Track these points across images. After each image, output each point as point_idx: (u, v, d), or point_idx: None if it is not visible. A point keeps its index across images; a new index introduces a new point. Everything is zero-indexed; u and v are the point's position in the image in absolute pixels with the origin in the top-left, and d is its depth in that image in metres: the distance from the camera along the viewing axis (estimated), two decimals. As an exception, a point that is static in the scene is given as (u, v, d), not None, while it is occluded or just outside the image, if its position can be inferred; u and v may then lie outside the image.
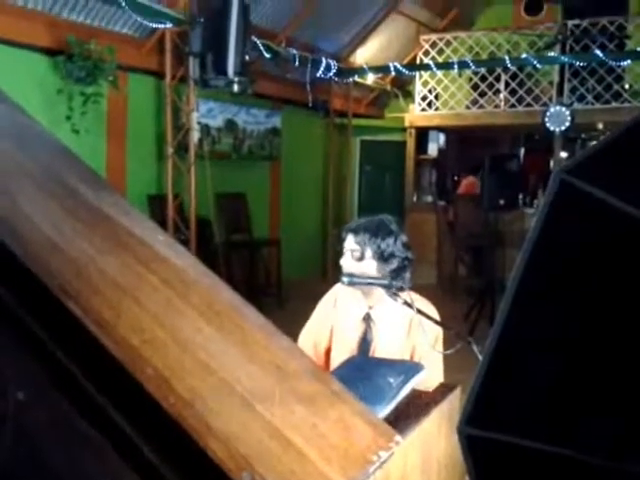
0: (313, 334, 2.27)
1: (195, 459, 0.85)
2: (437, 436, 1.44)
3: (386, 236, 2.12)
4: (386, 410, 1.33)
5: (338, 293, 2.29)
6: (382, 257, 2.11)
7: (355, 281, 2.03)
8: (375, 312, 2.19)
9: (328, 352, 2.27)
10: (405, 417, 1.35)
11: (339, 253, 2.21)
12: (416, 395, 1.46)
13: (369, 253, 2.11)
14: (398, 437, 1.18)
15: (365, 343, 2.18)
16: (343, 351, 2.17)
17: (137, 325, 1.02)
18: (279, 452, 0.96)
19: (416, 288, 2.15)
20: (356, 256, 2.11)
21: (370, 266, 2.11)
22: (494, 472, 0.79)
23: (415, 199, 9.23)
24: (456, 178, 9.81)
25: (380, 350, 2.15)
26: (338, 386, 1.21)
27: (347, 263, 2.13)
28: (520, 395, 0.74)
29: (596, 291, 0.72)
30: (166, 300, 1.14)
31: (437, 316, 2.10)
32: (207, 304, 1.21)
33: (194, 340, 1.08)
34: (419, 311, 1.87)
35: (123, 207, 1.44)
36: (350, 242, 2.14)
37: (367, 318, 2.20)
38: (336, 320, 2.26)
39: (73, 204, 1.32)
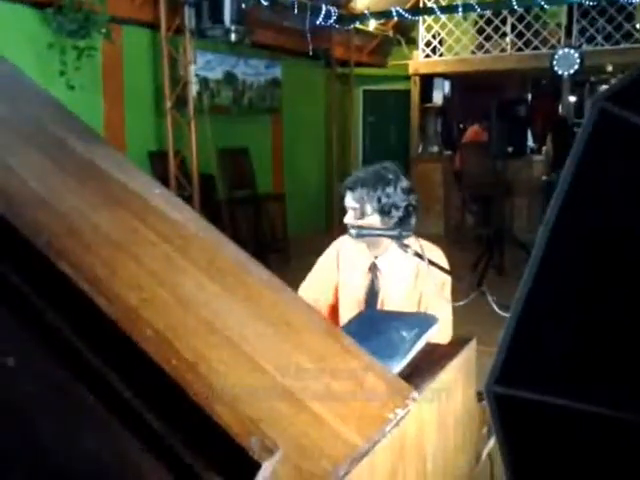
0: (312, 290, 2.22)
1: (201, 424, 0.80)
2: (454, 390, 1.39)
3: (385, 186, 2.03)
4: (400, 365, 1.28)
5: (340, 247, 2.22)
6: (383, 210, 2.04)
7: (363, 233, 1.96)
8: (381, 261, 2.14)
9: (334, 309, 2.22)
10: (420, 372, 1.29)
11: (343, 210, 2.13)
12: (431, 348, 1.40)
13: (369, 209, 2.04)
14: (414, 393, 1.13)
15: (372, 293, 2.14)
16: (351, 304, 2.13)
17: (134, 283, 0.95)
18: (291, 414, 0.91)
19: (423, 238, 2.09)
20: (357, 214, 2.04)
21: (373, 221, 2.04)
22: (522, 431, 0.75)
23: (421, 149, 9.06)
24: (462, 127, 9.61)
25: (388, 299, 2.11)
26: (350, 342, 1.15)
27: (350, 221, 2.05)
28: (549, 353, 0.70)
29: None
30: (165, 256, 1.07)
31: (445, 262, 2.05)
32: (209, 260, 1.14)
33: (196, 298, 1.01)
34: (430, 262, 1.81)
35: (117, 160, 1.35)
36: (349, 200, 2.06)
37: (373, 268, 2.15)
38: (341, 275, 2.20)
39: (63, 157, 1.24)
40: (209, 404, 0.80)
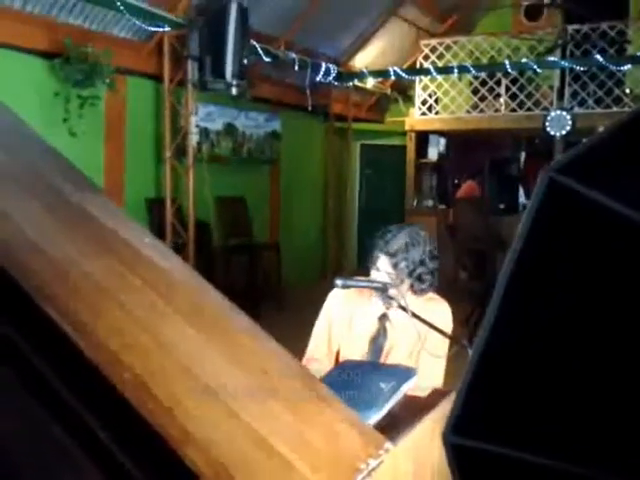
0: (320, 350, 2.21)
1: (174, 469, 0.82)
2: (430, 442, 1.41)
3: (422, 254, 2.08)
4: (377, 416, 1.30)
5: (339, 298, 2.23)
6: (418, 278, 2.09)
7: (349, 284, 2.00)
8: (392, 313, 2.16)
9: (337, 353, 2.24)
10: (397, 423, 1.31)
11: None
12: (409, 400, 1.42)
13: (406, 278, 2.08)
14: (388, 444, 1.15)
15: (378, 342, 2.15)
16: (354, 350, 2.14)
17: (117, 328, 0.99)
18: (263, 461, 0.93)
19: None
20: (392, 279, 2.06)
21: (404, 287, 2.09)
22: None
23: (415, 203, 9.19)
24: (457, 182, 9.78)
25: (394, 351, 2.13)
26: (326, 391, 1.18)
27: (384, 281, 2.05)
28: (507, 403, 0.72)
29: (587, 301, 0.68)
30: (150, 303, 1.11)
31: (449, 317, 2.11)
32: (192, 307, 1.18)
33: (177, 344, 1.05)
34: (414, 314, 1.85)
35: (109, 208, 1.41)
36: (386, 264, 2.07)
37: (383, 317, 2.17)
38: (350, 319, 2.21)
39: (56, 204, 1.29)
40: (182, 448, 0.82)
